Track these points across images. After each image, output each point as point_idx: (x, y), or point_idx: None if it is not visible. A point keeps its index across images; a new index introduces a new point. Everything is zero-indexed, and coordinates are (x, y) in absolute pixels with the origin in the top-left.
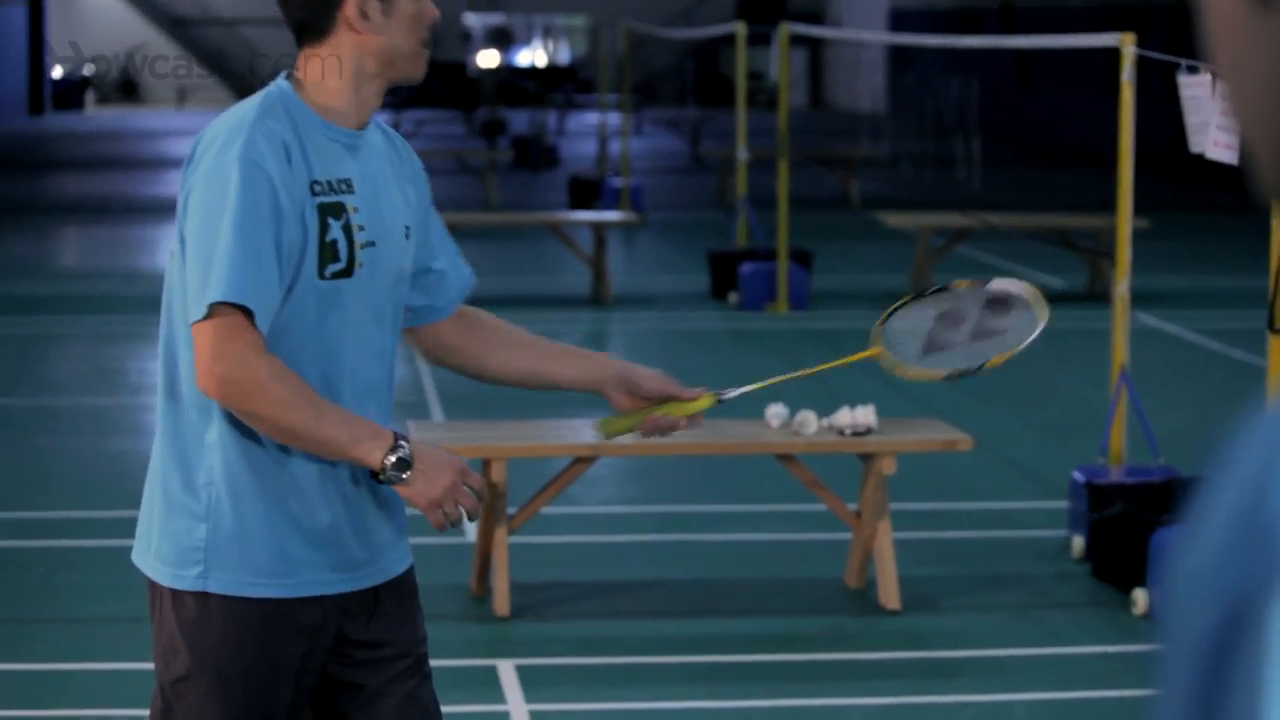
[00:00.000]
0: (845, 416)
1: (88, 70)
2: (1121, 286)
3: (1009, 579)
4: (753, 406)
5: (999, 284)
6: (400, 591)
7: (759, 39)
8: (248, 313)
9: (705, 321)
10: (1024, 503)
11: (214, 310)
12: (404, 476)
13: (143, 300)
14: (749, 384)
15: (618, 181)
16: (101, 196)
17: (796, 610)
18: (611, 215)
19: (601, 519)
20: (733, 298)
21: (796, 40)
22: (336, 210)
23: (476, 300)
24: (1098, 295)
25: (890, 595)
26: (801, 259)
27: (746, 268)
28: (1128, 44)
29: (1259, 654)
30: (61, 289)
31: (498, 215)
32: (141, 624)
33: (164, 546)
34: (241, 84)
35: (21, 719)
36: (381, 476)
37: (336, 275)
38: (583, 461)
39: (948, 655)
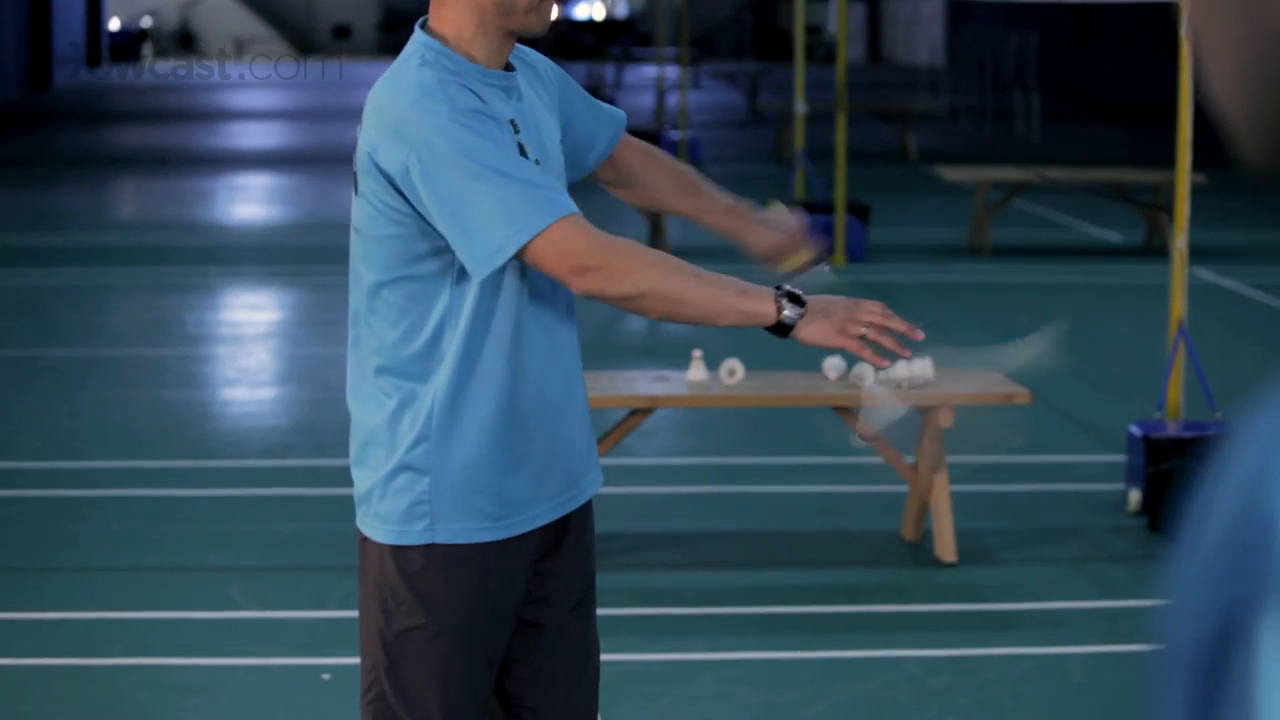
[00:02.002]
0: (903, 369)
1: (145, 23)
2: (1179, 241)
3: (1065, 532)
4: (810, 359)
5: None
6: (583, 521)
7: None
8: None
9: (762, 275)
10: (1081, 456)
11: (526, 249)
12: (801, 314)
13: (200, 251)
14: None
15: (675, 135)
16: (159, 149)
17: (853, 563)
18: None
19: (658, 470)
20: None
21: None
22: (523, 150)
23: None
24: (1155, 250)
25: (946, 548)
26: (859, 212)
27: (804, 220)
28: None
29: (1251, 667)
30: (119, 240)
31: None
32: (198, 574)
33: (384, 505)
34: (298, 37)
35: (78, 667)
36: (783, 320)
37: None
38: (639, 413)
39: (1003, 608)
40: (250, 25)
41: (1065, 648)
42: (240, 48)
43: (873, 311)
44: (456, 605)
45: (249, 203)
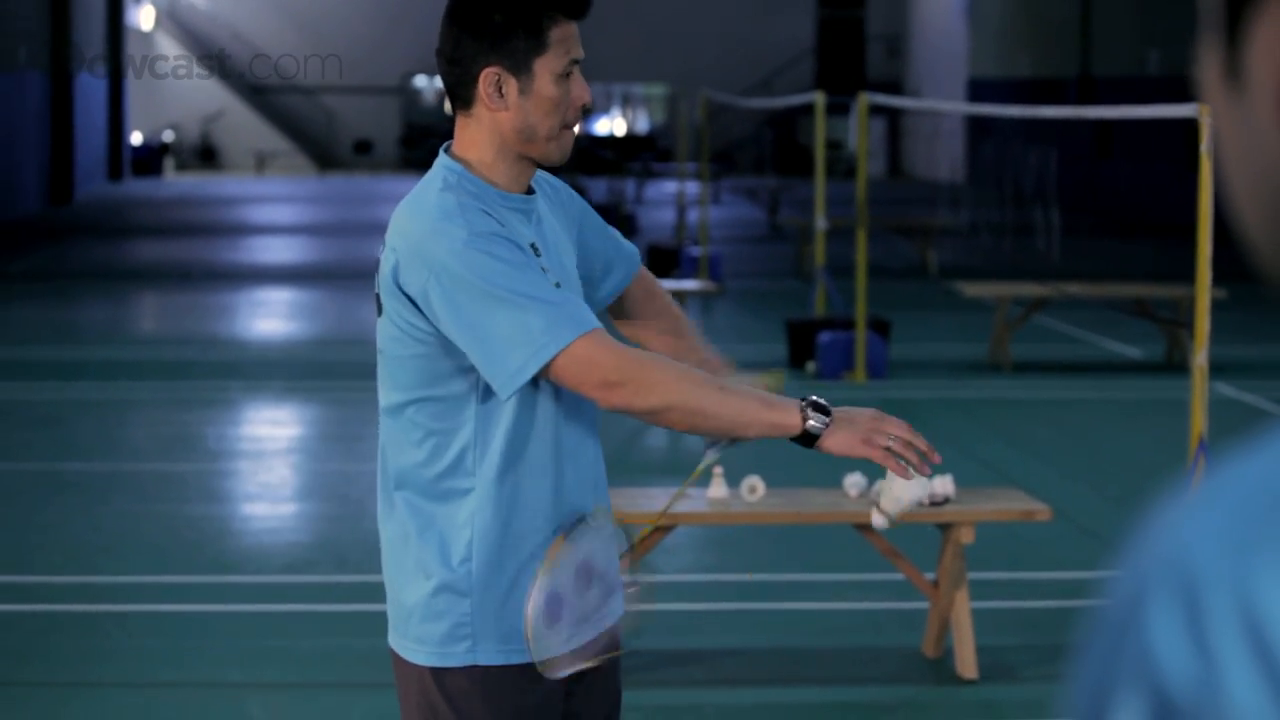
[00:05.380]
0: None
1: (167, 137)
2: (1200, 357)
3: None
4: (831, 476)
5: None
6: (611, 644)
7: (837, 108)
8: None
9: (783, 390)
10: (1102, 573)
11: (561, 356)
12: (827, 424)
13: (221, 366)
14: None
15: (696, 250)
16: (180, 262)
17: (874, 679)
18: (690, 284)
19: (679, 587)
20: (810, 367)
21: (875, 110)
22: (543, 271)
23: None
24: (1176, 365)
25: (967, 665)
26: (879, 328)
27: (824, 337)
28: (1206, 114)
29: None
30: (140, 354)
31: None
32: (217, 689)
33: (426, 627)
34: (319, 150)
35: None
36: (809, 429)
37: None
38: (660, 530)
39: None
40: (271, 140)
41: None
42: (262, 162)
43: (898, 425)
44: None
45: (270, 317)
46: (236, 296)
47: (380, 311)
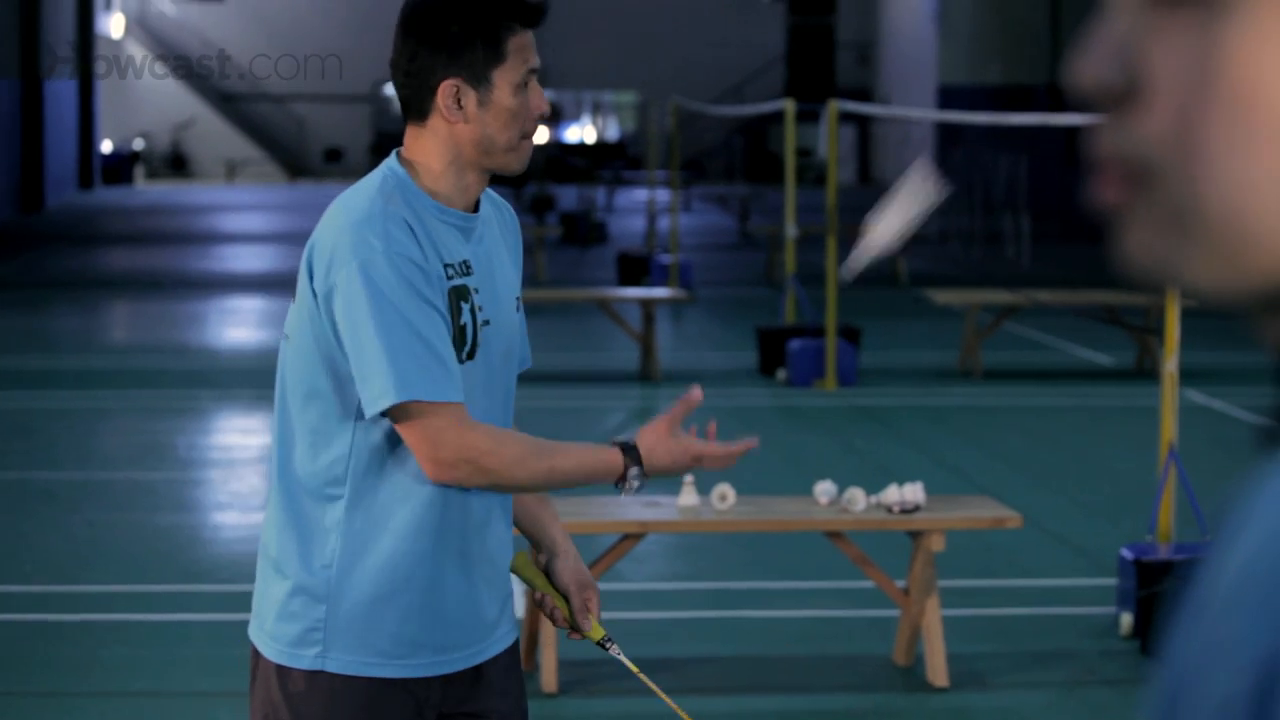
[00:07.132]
0: (894, 494)
1: (137, 145)
2: (1170, 363)
3: (1057, 656)
4: (801, 484)
5: None
6: (504, 664)
7: (808, 116)
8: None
9: (753, 398)
10: (1072, 580)
11: (402, 410)
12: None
13: (192, 375)
14: (633, 662)
15: (666, 258)
16: (151, 271)
17: (844, 687)
18: (660, 292)
19: (649, 595)
20: (781, 374)
21: (845, 117)
22: (464, 294)
23: (527, 376)
24: (1146, 372)
25: (938, 672)
26: (850, 336)
27: (795, 344)
28: None
29: None
30: (111, 363)
31: (546, 291)
32: (188, 698)
33: (281, 625)
34: (289, 158)
35: None
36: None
37: (466, 358)
38: (631, 538)
39: None
40: (242, 148)
41: None
42: (232, 170)
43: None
44: None
45: (241, 326)
46: (207, 305)
47: (296, 296)
